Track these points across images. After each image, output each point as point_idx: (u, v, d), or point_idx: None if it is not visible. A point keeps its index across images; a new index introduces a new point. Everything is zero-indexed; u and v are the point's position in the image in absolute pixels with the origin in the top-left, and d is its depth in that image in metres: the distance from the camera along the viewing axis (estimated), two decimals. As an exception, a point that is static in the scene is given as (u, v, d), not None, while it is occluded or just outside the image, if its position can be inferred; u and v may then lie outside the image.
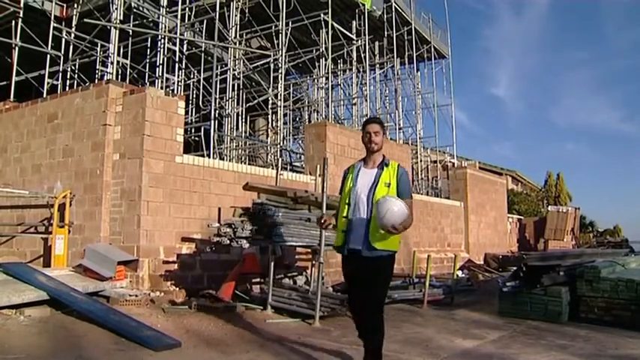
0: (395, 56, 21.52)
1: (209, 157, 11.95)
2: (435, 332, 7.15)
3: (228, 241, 7.69)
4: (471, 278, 13.43)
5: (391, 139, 19.94)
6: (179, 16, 13.76)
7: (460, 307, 9.57)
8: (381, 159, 4.48)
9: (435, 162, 22.48)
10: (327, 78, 17.53)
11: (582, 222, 35.32)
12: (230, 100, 15.32)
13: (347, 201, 4.41)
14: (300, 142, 20.29)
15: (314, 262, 9.18)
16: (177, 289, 8.84)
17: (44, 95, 11.76)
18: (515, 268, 9.85)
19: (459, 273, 13.67)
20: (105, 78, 12.38)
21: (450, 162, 22.58)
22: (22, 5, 12.40)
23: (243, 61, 15.94)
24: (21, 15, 12.27)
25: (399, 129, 21.76)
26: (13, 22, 12.27)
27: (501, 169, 35.69)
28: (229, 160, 13.52)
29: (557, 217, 27.09)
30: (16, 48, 12.13)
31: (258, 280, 9.37)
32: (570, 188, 44.32)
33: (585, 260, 9.22)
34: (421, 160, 21.95)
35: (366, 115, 19.27)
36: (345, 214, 4.40)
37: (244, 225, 7.72)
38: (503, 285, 8.85)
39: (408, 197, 4.33)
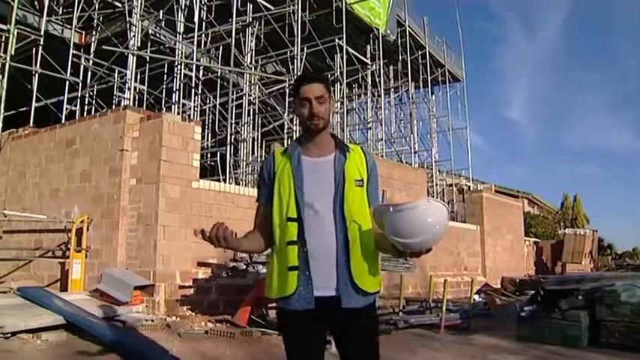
0: (410, 80, 21.63)
1: (225, 182, 12.01)
2: (452, 358, 7.09)
3: (244, 266, 7.72)
4: (488, 302, 13.30)
5: (406, 162, 19.91)
6: (195, 43, 13.94)
7: (477, 331, 9.47)
8: (332, 141, 2.62)
9: (451, 185, 22.43)
10: (342, 102, 17.61)
11: (600, 245, 35.01)
12: (246, 125, 15.43)
13: (290, 214, 2.46)
14: (315, 166, 20.29)
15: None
16: (194, 314, 8.84)
17: (62, 121, 11.92)
18: (532, 292, 9.76)
19: (476, 297, 13.56)
20: (122, 104, 12.53)
21: (465, 185, 22.52)
22: (42, 33, 12.63)
23: (259, 86, 16.07)
24: (41, 42, 12.49)
25: (415, 153, 21.76)
26: (34, 49, 12.49)
27: (517, 192, 35.44)
28: (245, 185, 13.58)
29: (574, 240, 26.81)
30: (36, 75, 12.33)
31: (274, 305, 9.34)
32: (587, 210, 43.99)
33: (604, 284, 9.10)
34: (437, 184, 21.89)
35: (382, 139, 19.22)
36: (292, 238, 2.43)
37: (260, 249, 7.72)
38: (521, 309, 8.77)
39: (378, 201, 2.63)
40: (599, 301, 8.08)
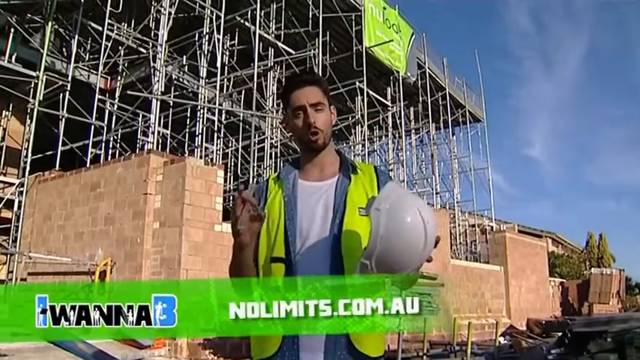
0: (430, 121, 21.68)
1: (247, 225, 12.01)
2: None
3: (266, 309, 7.67)
4: (514, 345, 13.06)
5: (429, 203, 19.82)
6: (218, 87, 14.13)
7: (503, 376, 9.31)
8: (337, 159, 2.02)
9: (474, 226, 22.27)
10: (363, 144, 17.70)
11: (628, 284, 34.31)
12: (268, 168, 15.52)
13: (277, 252, 1.87)
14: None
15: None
16: (216, 357, 8.80)
17: (87, 164, 12.10)
18: (559, 334, 9.60)
19: (501, 339, 13.34)
20: (146, 147, 12.68)
21: (488, 226, 22.34)
22: (69, 79, 12.94)
23: (281, 129, 16.21)
24: (68, 88, 12.77)
25: (437, 194, 21.70)
26: (61, 94, 12.77)
27: (541, 232, 35.08)
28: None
29: (601, 280, 26.35)
30: (63, 119, 12.58)
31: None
32: (613, 249, 43.24)
33: (633, 325, 8.92)
34: (459, 225, 21.73)
35: (403, 180, 19.19)
36: (277, 283, 1.77)
37: (282, 292, 7.71)
38: (548, 352, 8.62)
39: None
40: (629, 344, 7.91)
